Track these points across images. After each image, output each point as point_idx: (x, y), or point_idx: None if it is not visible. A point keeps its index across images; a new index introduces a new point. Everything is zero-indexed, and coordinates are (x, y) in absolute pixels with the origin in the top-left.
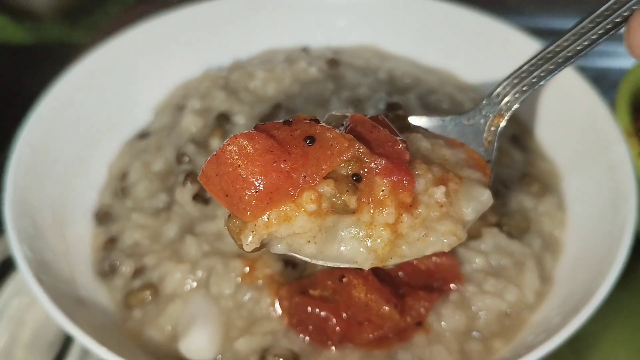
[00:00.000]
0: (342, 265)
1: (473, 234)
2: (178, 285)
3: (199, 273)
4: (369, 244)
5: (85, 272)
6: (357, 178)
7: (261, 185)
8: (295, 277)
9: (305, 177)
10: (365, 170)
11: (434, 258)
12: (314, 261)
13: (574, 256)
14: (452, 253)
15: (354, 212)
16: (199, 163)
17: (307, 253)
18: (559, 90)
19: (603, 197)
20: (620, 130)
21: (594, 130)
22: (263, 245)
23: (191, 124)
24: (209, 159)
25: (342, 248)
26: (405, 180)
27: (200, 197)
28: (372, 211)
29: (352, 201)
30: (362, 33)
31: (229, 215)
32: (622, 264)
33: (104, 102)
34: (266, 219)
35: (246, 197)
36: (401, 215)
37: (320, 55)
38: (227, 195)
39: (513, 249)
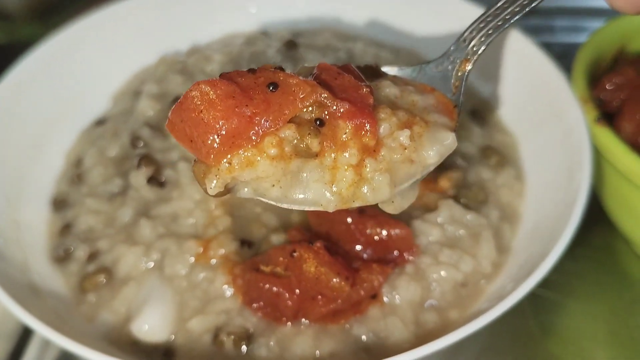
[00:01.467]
0: (307, 209)
1: (429, 206)
2: (132, 268)
3: (154, 255)
4: (333, 188)
5: (40, 258)
6: (319, 122)
7: (223, 130)
8: (250, 256)
9: (267, 121)
10: (327, 114)
11: (387, 229)
12: (279, 204)
13: (531, 225)
14: (407, 225)
15: (317, 156)
16: (154, 147)
17: (272, 197)
18: (515, 61)
19: (559, 165)
20: (575, 97)
21: (550, 98)
22: (228, 190)
23: (147, 108)
24: (174, 106)
25: (306, 191)
26: (368, 123)
27: (155, 180)
28: (334, 154)
29: (314, 144)
30: (321, 14)
31: (194, 160)
32: (574, 229)
33: (61, 90)
34: (228, 164)
35: (209, 142)
36: (364, 159)
37: (280, 38)
38: (191, 141)
39: (469, 220)
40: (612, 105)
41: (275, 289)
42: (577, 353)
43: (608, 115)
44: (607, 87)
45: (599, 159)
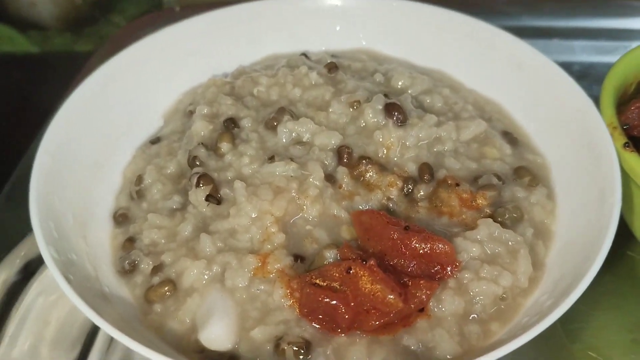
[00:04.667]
0: None
1: (468, 224)
2: (195, 280)
3: (215, 268)
4: None
5: (107, 270)
6: None
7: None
8: (303, 270)
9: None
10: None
11: (431, 244)
12: None
13: (564, 243)
14: (450, 242)
15: None
16: (210, 165)
17: None
18: (546, 86)
19: (590, 188)
20: (605, 124)
21: (581, 124)
22: None
23: (201, 128)
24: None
25: None
26: None
27: (212, 198)
28: None
29: None
30: (358, 36)
31: None
32: (608, 250)
33: (116, 110)
34: None
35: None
36: None
37: (320, 59)
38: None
39: (507, 237)
40: (638, 130)
41: (333, 302)
42: (600, 359)
43: (634, 139)
44: (633, 113)
45: (626, 181)
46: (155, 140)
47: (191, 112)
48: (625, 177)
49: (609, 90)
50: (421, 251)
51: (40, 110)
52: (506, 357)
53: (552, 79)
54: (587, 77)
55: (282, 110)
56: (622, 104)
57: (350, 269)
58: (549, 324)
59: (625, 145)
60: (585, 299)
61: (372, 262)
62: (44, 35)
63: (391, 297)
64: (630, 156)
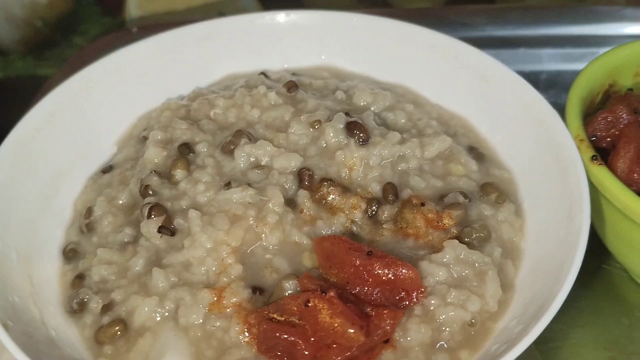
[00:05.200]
0: None
1: (434, 245)
2: (147, 319)
3: (168, 305)
4: None
5: (55, 311)
6: None
7: None
8: (262, 302)
9: None
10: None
11: (395, 270)
12: None
13: (534, 262)
14: (414, 265)
15: None
16: (163, 194)
17: None
18: (511, 98)
19: (559, 203)
20: (571, 137)
21: (546, 136)
22: None
23: (154, 155)
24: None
25: None
26: None
27: (165, 229)
28: None
29: None
30: (318, 53)
31: None
32: (579, 268)
33: (66, 138)
34: None
35: None
36: None
37: (279, 77)
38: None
39: (474, 259)
40: (606, 141)
41: (291, 338)
42: None
43: (601, 150)
44: (600, 124)
45: (596, 195)
46: (107, 169)
47: (145, 138)
48: (595, 190)
49: (575, 101)
50: (384, 278)
51: (3, 136)
52: None
53: (516, 90)
54: (556, 86)
55: (239, 134)
56: (589, 114)
57: (309, 301)
58: (519, 353)
59: (593, 158)
60: (561, 316)
61: (331, 293)
62: (6, 60)
63: (351, 331)
64: (599, 170)
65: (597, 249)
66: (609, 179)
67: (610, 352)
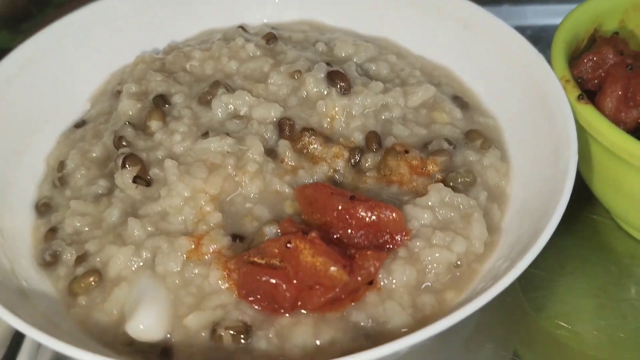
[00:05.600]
0: None
1: (419, 191)
2: (123, 268)
3: (144, 254)
4: None
5: (27, 263)
6: None
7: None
8: (242, 250)
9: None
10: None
11: (378, 212)
12: None
13: (520, 205)
14: (398, 209)
15: None
16: (138, 145)
17: None
18: (494, 44)
19: (545, 145)
20: (556, 77)
21: (532, 79)
22: None
23: (128, 107)
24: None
25: None
26: None
27: (141, 179)
28: None
29: None
30: (298, 7)
31: None
32: (566, 205)
33: (38, 93)
34: None
35: None
36: None
37: (258, 31)
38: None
39: (459, 202)
40: (592, 83)
41: (272, 280)
42: (567, 327)
43: (589, 93)
44: (586, 66)
45: (582, 138)
46: (80, 124)
47: (119, 92)
48: (581, 132)
49: (560, 44)
50: (368, 220)
51: None
52: (469, 330)
53: (500, 36)
54: (540, 41)
55: (216, 84)
56: (575, 59)
57: (290, 242)
58: (504, 287)
59: (580, 97)
60: (548, 265)
61: (313, 234)
62: None
63: (334, 269)
64: (585, 109)
65: (585, 199)
66: (595, 117)
67: (598, 299)
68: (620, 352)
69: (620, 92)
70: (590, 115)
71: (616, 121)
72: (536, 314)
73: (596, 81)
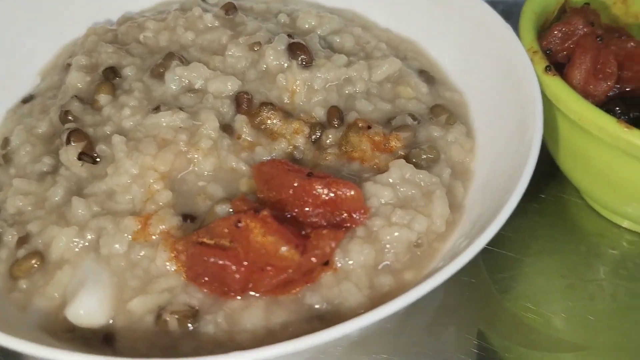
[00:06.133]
0: None
1: (381, 168)
2: (65, 250)
3: (88, 235)
4: None
5: None
6: None
7: None
8: (194, 230)
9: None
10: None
11: (335, 189)
12: None
13: (484, 182)
14: (359, 187)
15: None
16: (85, 121)
17: None
18: (462, 16)
19: (510, 118)
20: (524, 48)
21: (499, 51)
22: None
23: (76, 80)
24: None
25: None
26: None
27: (86, 156)
28: None
29: None
30: None
31: None
32: (528, 181)
33: None
34: None
35: None
36: None
37: (218, 1)
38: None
39: (421, 179)
40: (561, 55)
41: (221, 261)
42: (534, 308)
43: (558, 66)
44: (555, 37)
45: (550, 111)
46: (28, 99)
47: (69, 65)
48: (549, 106)
49: (528, 14)
50: (325, 197)
51: None
52: (431, 313)
53: (467, 9)
54: (513, 16)
55: (170, 56)
56: (545, 30)
57: (240, 221)
58: (460, 266)
59: (547, 69)
60: (515, 245)
61: (265, 212)
62: None
63: (285, 249)
64: (552, 80)
65: (554, 178)
66: (563, 89)
67: (567, 280)
68: (588, 334)
69: (589, 64)
70: (557, 87)
71: (585, 94)
72: (501, 295)
73: (565, 53)
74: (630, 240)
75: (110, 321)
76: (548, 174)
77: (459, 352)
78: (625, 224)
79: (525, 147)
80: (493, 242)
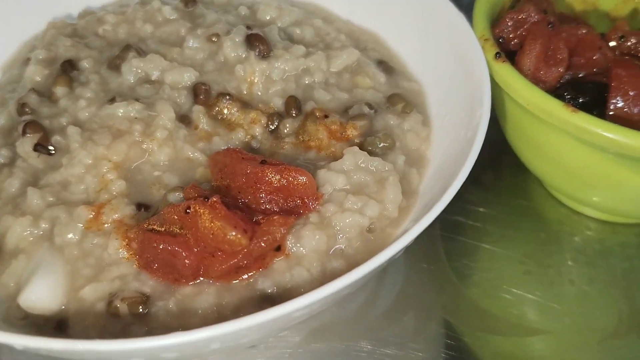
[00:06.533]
0: None
1: (337, 158)
2: (20, 240)
3: (42, 224)
4: None
5: None
6: None
7: None
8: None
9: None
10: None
11: (288, 176)
12: None
13: (436, 167)
14: (313, 175)
15: None
16: (42, 113)
17: None
18: (420, 6)
19: (462, 105)
20: (476, 36)
21: (453, 40)
22: None
23: (34, 73)
24: None
25: None
26: None
27: (42, 147)
28: None
29: None
30: None
31: None
32: (474, 159)
33: None
34: None
35: None
36: None
37: None
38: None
39: (375, 165)
40: (514, 42)
41: (170, 247)
42: (493, 294)
43: (511, 54)
44: (507, 25)
45: (503, 98)
46: None
47: (29, 60)
48: (501, 93)
49: (482, 3)
50: (277, 184)
51: None
52: (390, 300)
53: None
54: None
55: (127, 48)
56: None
57: (189, 208)
58: (398, 249)
59: (497, 55)
60: (476, 233)
61: (214, 198)
62: None
63: (233, 234)
64: (502, 67)
65: (518, 169)
66: (512, 75)
67: (525, 266)
68: (546, 319)
69: (539, 50)
70: (506, 73)
71: (536, 80)
72: (461, 281)
73: (517, 40)
74: (590, 227)
75: (63, 307)
76: (512, 164)
77: (418, 337)
78: (585, 211)
79: (472, 131)
80: (453, 229)
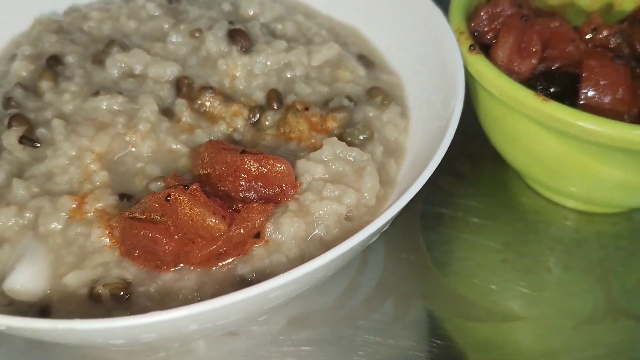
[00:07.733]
0: None
1: (317, 148)
2: (5, 229)
3: (27, 214)
4: None
5: None
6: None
7: None
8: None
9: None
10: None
11: (267, 164)
12: None
13: (413, 157)
14: (292, 165)
15: None
16: (27, 106)
17: None
18: (399, 3)
19: (437, 97)
20: (451, 29)
21: (429, 35)
22: None
23: (20, 69)
24: None
25: None
26: None
27: (27, 139)
28: None
29: None
30: None
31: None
32: (447, 146)
33: None
34: None
35: None
36: None
37: None
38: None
39: (353, 155)
40: (489, 36)
41: (151, 234)
42: (471, 282)
43: (486, 46)
44: (482, 18)
45: (477, 90)
46: None
47: (15, 56)
48: (475, 84)
49: None
50: (256, 172)
51: None
52: (371, 288)
53: None
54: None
55: (111, 43)
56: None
57: (170, 196)
58: (368, 234)
59: (471, 48)
60: (455, 223)
61: (194, 186)
62: None
63: (213, 220)
64: (476, 59)
65: (496, 160)
66: (485, 66)
67: (502, 255)
68: (522, 305)
69: (512, 42)
70: (480, 64)
71: (509, 72)
72: (440, 270)
73: (492, 34)
74: (567, 217)
75: (48, 292)
76: (491, 156)
77: (398, 324)
78: (562, 201)
79: (446, 119)
80: (434, 220)
